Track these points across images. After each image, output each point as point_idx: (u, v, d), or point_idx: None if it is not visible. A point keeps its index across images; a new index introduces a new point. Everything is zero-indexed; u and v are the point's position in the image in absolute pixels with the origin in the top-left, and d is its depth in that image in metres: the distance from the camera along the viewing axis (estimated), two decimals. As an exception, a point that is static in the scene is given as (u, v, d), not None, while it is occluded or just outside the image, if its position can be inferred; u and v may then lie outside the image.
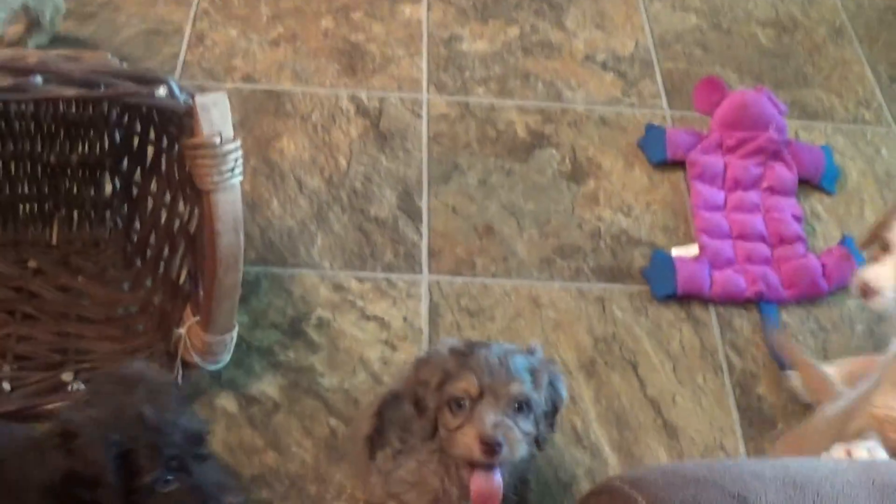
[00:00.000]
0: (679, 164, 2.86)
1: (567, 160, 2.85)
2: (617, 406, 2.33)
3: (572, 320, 2.47)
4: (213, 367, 2.16)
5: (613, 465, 2.24)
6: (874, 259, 2.15)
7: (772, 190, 2.78)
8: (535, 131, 2.92)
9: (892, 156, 2.99)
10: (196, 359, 2.12)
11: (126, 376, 1.71)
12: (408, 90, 2.98)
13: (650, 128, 2.94)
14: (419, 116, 2.91)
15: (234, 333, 2.12)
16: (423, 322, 2.43)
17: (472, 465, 1.75)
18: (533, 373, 1.78)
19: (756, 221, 2.70)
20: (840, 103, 3.14)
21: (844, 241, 2.69)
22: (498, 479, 1.75)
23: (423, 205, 2.68)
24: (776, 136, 2.86)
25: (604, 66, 3.15)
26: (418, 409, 1.83)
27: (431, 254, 2.57)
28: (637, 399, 2.35)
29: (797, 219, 2.72)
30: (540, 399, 1.78)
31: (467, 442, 1.71)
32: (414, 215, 2.65)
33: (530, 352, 1.83)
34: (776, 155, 2.84)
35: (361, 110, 2.90)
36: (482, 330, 2.42)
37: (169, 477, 1.61)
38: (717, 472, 1.08)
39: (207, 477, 1.65)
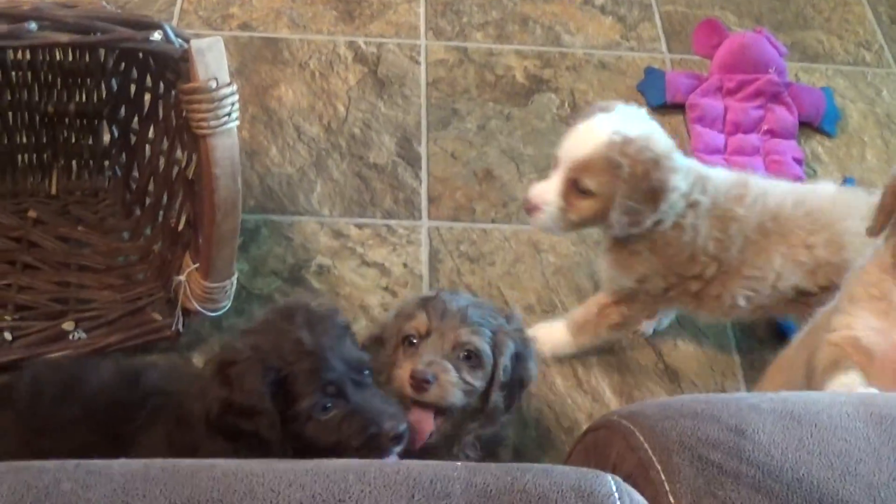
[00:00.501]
0: (679, 108, 2.85)
1: (566, 104, 2.84)
2: (618, 350, 2.33)
3: (572, 265, 2.47)
4: (213, 314, 2.16)
5: (615, 409, 2.24)
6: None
7: (772, 133, 2.77)
8: (533, 76, 2.91)
9: (892, 97, 2.98)
10: (196, 306, 2.11)
11: (287, 307, 1.73)
12: (406, 36, 2.97)
13: (650, 71, 2.93)
14: (417, 62, 2.90)
15: (234, 280, 2.12)
16: (424, 268, 2.43)
17: (409, 404, 1.73)
18: (495, 333, 1.77)
19: (756, 164, 2.69)
20: (840, 45, 3.13)
21: (846, 182, 2.68)
22: (429, 418, 1.73)
23: (422, 151, 2.67)
24: (776, 78, 2.85)
25: (602, 9, 3.13)
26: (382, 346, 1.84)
27: (431, 200, 2.56)
28: (639, 343, 2.35)
29: (798, 161, 2.72)
30: (494, 359, 1.76)
31: (401, 375, 1.72)
32: (413, 161, 2.64)
33: (507, 317, 1.84)
34: (776, 97, 2.83)
35: (359, 57, 2.89)
36: (482, 275, 2.42)
37: (327, 404, 1.60)
38: (715, 404, 1.09)
39: (367, 404, 1.63)
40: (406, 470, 0.95)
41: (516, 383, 1.81)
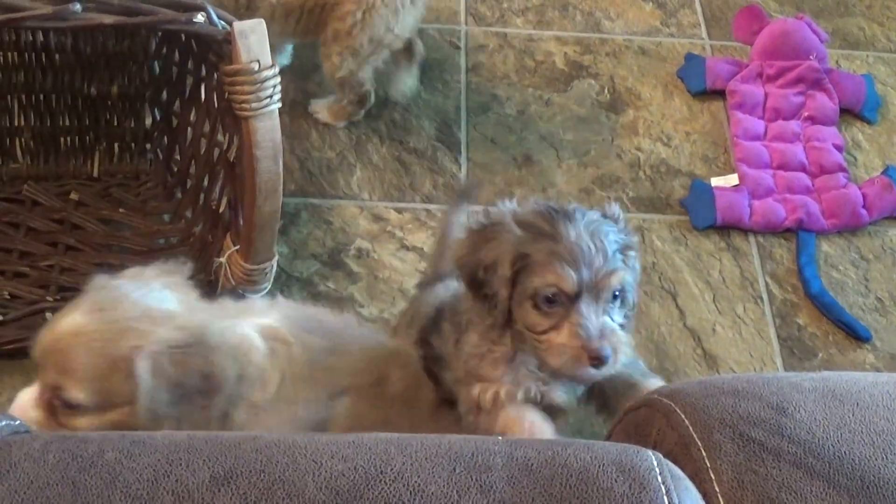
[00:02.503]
0: (719, 94, 2.84)
1: (606, 90, 2.83)
2: (657, 336, 2.33)
3: (611, 250, 2.47)
4: (252, 296, 2.17)
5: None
6: None
7: (812, 119, 2.76)
8: (573, 62, 2.90)
9: (934, 85, 2.96)
10: (236, 287, 2.13)
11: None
12: (446, 21, 2.97)
13: (690, 57, 2.92)
14: (457, 48, 2.90)
15: (274, 262, 2.13)
16: (462, 252, 2.43)
17: (568, 376, 1.58)
18: (624, 251, 1.56)
19: (797, 151, 2.68)
20: (882, 32, 3.11)
21: (888, 170, 2.66)
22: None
23: (462, 136, 2.68)
24: (817, 64, 2.84)
25: (642, -5, 3.13)
26: (479, 294, 1.60)
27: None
28: (677, 329, 2.35)
29: (838, 148, 2.70)
30: (634, 283, 1.58)
31: (568, 351, 1.51)
32: (452, 146, 2.65)
33: (612, 217, 1.60)
34: (817, 84, 2.82)
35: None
36: (521, 260, 2.42)
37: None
38: (756, 383, 1.09)
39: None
40: (448, 443, 0.95)
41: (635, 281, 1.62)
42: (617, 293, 1.54)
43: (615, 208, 1.63)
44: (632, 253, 1.58)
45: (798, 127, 2.75)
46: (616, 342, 1.51)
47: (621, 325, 1.56)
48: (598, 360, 1.50)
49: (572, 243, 1.49)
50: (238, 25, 1.81)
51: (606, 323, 1.52)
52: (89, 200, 2.41)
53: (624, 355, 1.53)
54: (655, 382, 1.68)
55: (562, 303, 1.51)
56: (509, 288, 1.53)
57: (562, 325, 1.51)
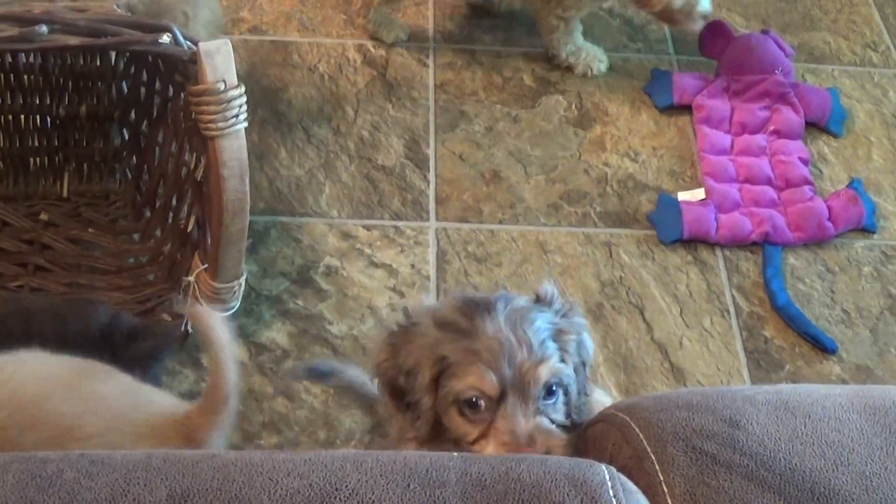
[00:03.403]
0: (686, 109, 2.86)
1: (573, 106, 2.85)
2: (624, 350, 2.34)
3: (579, 265, 2.48)
4: (221, 315, 2.17)
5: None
6: None
7: (778, 133, 2.78)
8: (541, 78, 2.92)
9: (899, 98, 2.99)
10: (205, 306, 2.13)
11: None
12: (415, 39, 2.98)
13: (656, 73, 2.94)
14: (425, 65, 2.91)
15: (243, 280, 2.14)
16: (431, 269, 2.44)
17: None
18: (557, 336, 1.43)
19: (763, 165, 2.70)
20: (847, 46, 3.13)
21: (853, 183, 2.69)
22: None
23: (430, 152, 2.69)
24: (782, 79, 2.86)
25: (610, 11, 3.14)
26: (401, 404, 1.48)
27: (438, 201, 2.58)
28: (644, 343, 2.36)
29: (804, 162, 2.72)
30: (571, 371, 1.43)
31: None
32: (421, 163, 2.66)
33: (544, 301, 1.48)
34: (783, 98, 2.84)
35: (368, 60, 2.91)
36: (489, 276, 2.43)
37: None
38: (710, 397, 1.10)
39: None
40: (402, 459, 0.96)
41: (581, 369, 1.48)
42: (553, 387, 1.40)
43: (549, 288, 1.50)
44: (571, 337, 1.45)
45: (764, 141, 2.77)
46: (551, 445, 1.36)
47: (563, 423, 1.42)
48: None
49: (490, 339, 1.36)
50: (204, 46, 1.82)
51: (539, 424, 1.37)
52: (59, 220, 2.41)
53: (563, 453, 1.36)
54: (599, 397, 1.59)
55: (487, 406, 1.38)
56: (433, 395, 1.41)
57: (489, 433, 1.38)
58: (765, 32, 2.97)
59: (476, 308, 1.41)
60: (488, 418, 1.38)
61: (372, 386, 1.76)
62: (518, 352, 1.36)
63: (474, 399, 1.37)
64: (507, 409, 1.36)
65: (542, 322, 1.41)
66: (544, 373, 1.37)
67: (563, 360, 1.41)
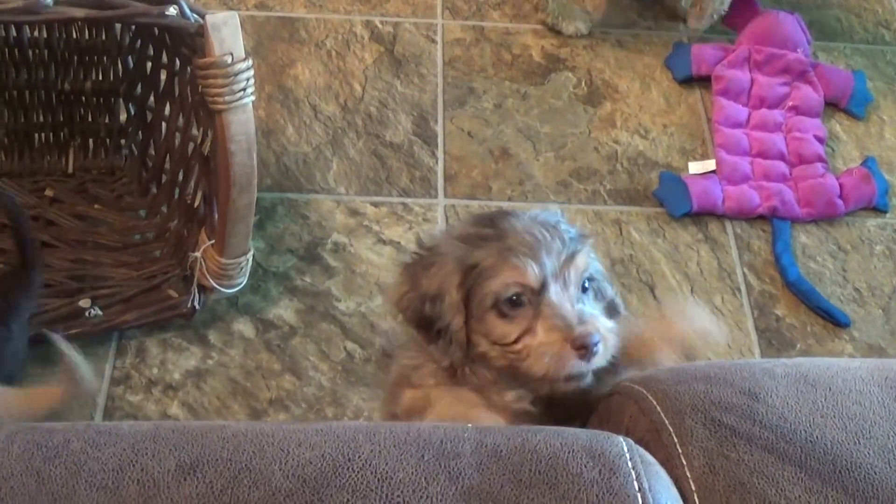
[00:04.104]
0: (699, 84, 2.85)
1: (583, 83, 2.83)
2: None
3: (589, 243, 2.46)
4: (228, 291, 2.16)
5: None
6: None
7: (796, 109, 2.75)
8: (550, 55, 2.90)
9: (912, 76, 2.97)
10: (212, 282, 2.12)
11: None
12: (422, 15, 2.96)
13: (677, 45, 2.93)
14: (434, 41, 2.89)
15: (250, 257, 2.12)
16: (440, 246, 2.42)
17: (563, 382, 1.34)
18: (582, 240, 1.40)
19: (777, 140, 2.68)
20: (859, 23, 3.11)
21: (867, 161, 2.67)
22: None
23: (439, 129, 2.67)
24: (804, 57, 2.84)
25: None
26: (431, 334, 1.40)
27: (447, 178, 2.56)
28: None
29: (819, 140, 2.70)
30: (602, 270, 1.43)
31: (551, 351, 1.30)
32: (429, 140, 2.64)
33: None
34: (803, 76, 2.81)
35: (376, 36, 2.89)
36: (499, 253, 2.41)
37: None
38: (728, 369, 1.08)
39: None
40: (416, 431, 0.95)
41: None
42: (587, 283, 1.37)
43: (554, 208, 1.47)
44: (590, 242, 1.42)
45: (781, 116, 2.74)
46: (602, 326, 1.33)
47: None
48: (585, 349, 1.29)
49: (523, 234, 1.33)
50: (211, 18, 1.80)
51: (585, 309, 1.33)
52: (64, 197, 2.40)
53: (613, 340, 1.34)
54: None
55: (529, 301, 1.33)
56: (463, 313, 1.36)
57: (535, 326, 1.32)
58: (791, 13, 2.95)
59: (497, 217, 1.40)
60: (532, 313, 1.32)
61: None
62: (553, 243, 1.33)
63: (515, 296, 1.32)
64: (551, 296, 1.32)
65: (564, 225, 1.39)
66: (581, 262, 1.34)
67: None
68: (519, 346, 1.33)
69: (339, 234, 2.42)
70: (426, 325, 1.40)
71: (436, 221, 2.46)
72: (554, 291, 1.32)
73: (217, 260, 2.08)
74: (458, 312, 1.36)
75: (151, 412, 2.09)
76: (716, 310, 2.36)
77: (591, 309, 1.36)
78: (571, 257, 1.34)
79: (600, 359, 1.32)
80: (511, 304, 1.33)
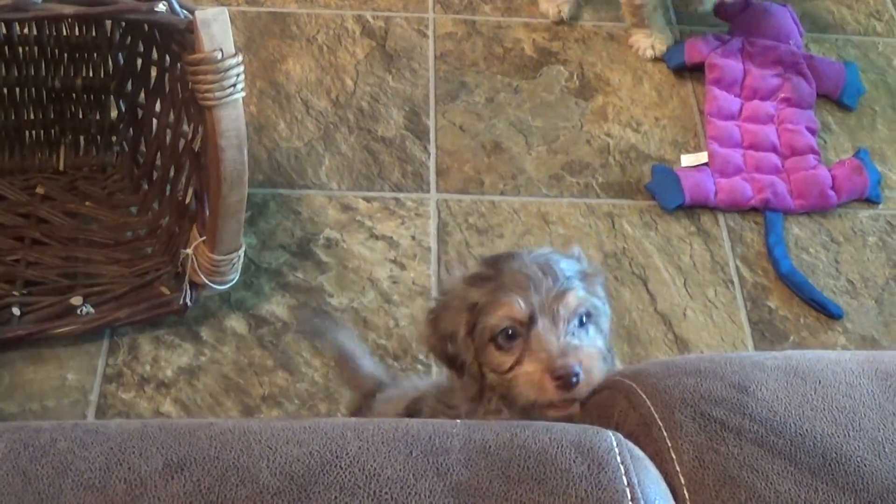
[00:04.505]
0: (693, 76, 2.85)
1: (575, 77, 2.82)
2: (628, 321, 2.32)
3: (581, 236, 2.46)
4: (220, 288, 2.16)
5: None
6: None
7: (789, 101, 2.75)
8: (542, 48, 2.89)
9: (904, 67, 2.97)
10: (203, 279, 2.12)
11: None
12: (413, 9, 2.96)
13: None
14: (425, 36, 2.89)
15: (241, 253, 2.12)
16: (432, 240, 2.42)
17: (545, 409, 1.40)
18: (585, 278, 1.45)
19: (769, 132, 2.68)
20: (851, 15, 3.11)
21: (859, 153, 2.66)
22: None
23: (431, 124, 2.67)
24: (796, 49, 2.84)
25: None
26: (457, 369, 1.51)
27: (439, 172, 2.56)
28: (648, 314, 2.35)
29: (812, 132, 2.70)
30: (604, 307, 1.47)
31: (533, 380, 1.38)
32: (421, 134, 2.64)
33: (575, 258, 1.51)
34: (795, 67, 2.81)
35: (367, 31, 2.88)
36: (491, 247, 2.41)
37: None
38: (718, 362, 1.08)
39: None
40: (405, 427, 0.94)
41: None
42: (583, 316, 1.42)
43: (576, 249, 1.54)
44: (597, 281, 1.48)
45: (773, 108, 2.74)
46: (585, 357, 1.38)
47: (601, 348, 1.43)
48: (562, 380, 1.35)
49: (515, 273, 1.41)
50: (200, 14, 1.80)
51: (571, 342, 1.38)
52: (55, 194, 2.39)
53: (598, 371, 1.38)
54: None
55: (520, 333, 1.39)
56: (472, 348, 1.45)
57: (523, 356, 1.39)
58: (783, 5, 2.94)
59: (498, 258, 1.48)
60: (522, 346, 1.39)
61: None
62: (544, 281, 1.39)
63: (507, 329, 1.39)
64: (538, 329, 1.38)
65: (566, 264, 1.45)
66: (572, 299, 1.39)
67: (594, 296, 1.44)
68: (511, 375, 1.40)
69: (332, 230, 2.42)
70: (451, 362, 1.50)
71: (428, 216, 2.46)
72: (541, 325, 1.38)
73: (209, 256, 2.07)
74: (468, 348, 1.45)
75: (144, 410, 2.09)
76: (709, 302, 2.37)
77: (584, 342, 1.40)
78: (562, 294, 1.39)
79: (584, 388, 1.36)
80: (506, 337, 1.40)
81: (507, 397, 1.44)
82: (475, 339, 1.44)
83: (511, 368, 1.40)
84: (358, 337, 2.20)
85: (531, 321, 1.38)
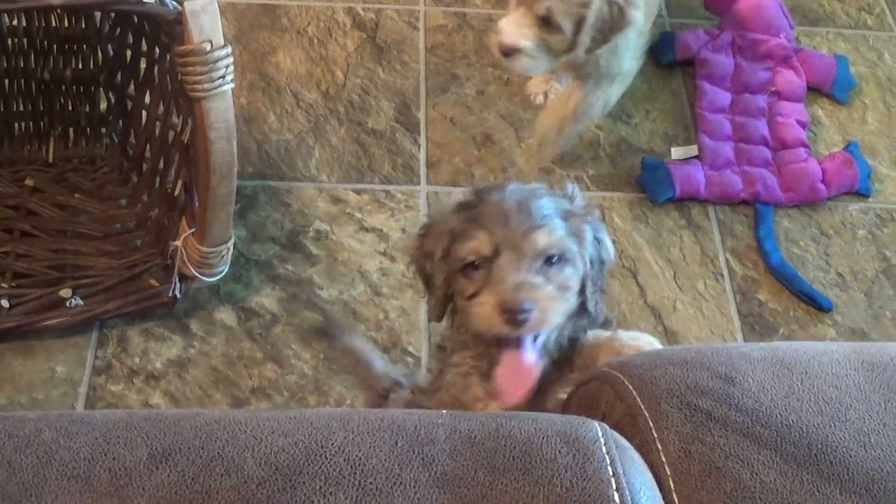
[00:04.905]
0: (683, 69, 2.85)
1: (566, 69, 2.82)
2: (618, 314, 2.32)
3: (572, 229, 2.46)
4: (210, 280, 2.16)
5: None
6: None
7: (779, 94, 2.76)
8: (533, 41, 2.89)
9: (894, 61, 2.96)
10: (193, 271, 2.12)
11: None
12: (404, 2, 2.95)
13: (662, 34, 2.93)
14: (416, 28, 2.88)
15: (231, 245, 2.12)
16: (422, 233, 2.42)
17: (500, 343, 1.46)
18: (568, 218, 1.47)
19: (759, 125, 2.68)
20: (842, 8, 3.11)
21: (849, 146, 2.67)
22: (528, 358, 1.45)
23: (421, 116, 2.66)
24: (786, 42, 2.84)
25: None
26: (429, 288, 1.56)
27: (429, 165, 2.56)
28: (637, 306, 2.35)
29: (802, 125, 2.70)
30: (581, 253, 1.47)
31: (485, 311, 1.41)
32: (411, 127, 2.63)
33: (566, 196, 1.53)
34: (785, 61, 2.82)
35: (358, 23, 2.88)
36: (481, 240, 2.41)
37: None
38: (705, 353, 1.08)
39: None
40: (390, 417, 0.94)
41: (598, 269, 1.53)
42: (554, 257, 1.44)
43: (571, 186, 1.56)
44: (584, 222, 1.49)
45: (763, 102, 2.74)
46: (540, 297, 1.40)
47: (569, 289, 1.46)
48: (511, 314, 1.39)
49: (493, 206, 1.44)
50: (189, 5, 1.79)
51: (529, 279, 1.41)
52: (45, 186, 2.39)
53: (553, 313, 1.43)
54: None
55: (484, 265, 1.43)
56: (444, 271, 1.50)
57: (484, 286, 1.43)
58: (773, -1, 2.95)
59: (485, 189, 1.51)
60: (486, 277, 1.43)
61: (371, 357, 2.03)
62: (515, 216, 1.42)
63: (473, 261, 1.44)
64: (500, 263, 1.41)
65: (549, 200, 1.47)
66: (541, 237, 1.42)
67: (572, 240, 1.46)
68: (472, 301, 1.45)
69: (322, 222, 2.42)
70: (427, 280, 1.57)
71: (418, 209, 2.46)
72: (504, 259, 1.41)
73: (198, 248, 2.07)
74: (441, 270, 1.51)
75: (133, 402, 2.09)
76: (698, 295, 2.37)
77: (545, 281, 1.43)
78: (530, 231, 1.41)
79: (534, 326, 1.42)
80: (472, 267, 1.45)
81: (465, 323, 1.50)
82: (448, 263, 1.49)
83: (472, 297, 1.45)
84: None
85: (496, 254, 1.42)
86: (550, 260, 1.43)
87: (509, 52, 2.10)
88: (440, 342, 1.73)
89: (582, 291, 1.50)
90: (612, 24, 2.17)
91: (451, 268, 1.49)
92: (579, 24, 2.15)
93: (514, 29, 2.10)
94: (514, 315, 1.39)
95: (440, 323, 1.60)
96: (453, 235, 1.47)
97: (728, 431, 0.98)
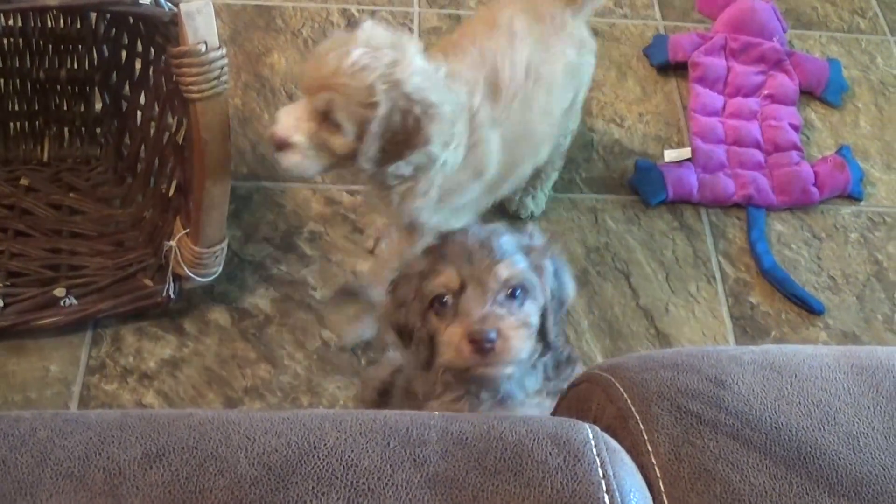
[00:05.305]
0: (675, 73, 2.85)
1: (559, 72, 2.82)
2: (609, 316, 2.33)
3: (565, 231, 2.47)
4: (204, 280, 2.16)
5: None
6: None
7: (772, 98, 2.77)
8: (527, 43, 2.89)
9: (886, 64, 2.97)
10: (187, 271, 2.12)
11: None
12: (398, 3, 2.96)
13: (657, 36, 2.95)
14: (410, 30, 2.89)
15: (225, 245, 2.12)
16: (416, 234, 2.42)
17: (473, 376, 1.55)
18: (529, 253, 1.55)
19: (752, 128, 2.69)
20: (835, 12, 3.12)
21: (842, 150, 2.68)
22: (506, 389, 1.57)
23: (415, 118, 2.66)
24: (779, 46, 2.85)
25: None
26: (405, 338, 1.62)
27: (423, 166, 2.56)
28: (630, 309, 2.35)
29: (795, 128, 2.71)
30: (541, 285, 1.54)
31: (454, 343, 1.48)
32: (406, 128, 2.63)
33: (526, 235, 1.60)
34: (778, 65, 2.83)
35: (352, 24, 2.87)
36: (474, 241, 2.41)
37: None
38: (695, 356, 1.09)
39: None
40: (382, 418, 0.95)
41: (558, 304, 1.59)
42: (516, 289, 1.52)
43: (531, 226, 1.65)
44: (544, 258, 1.57)
45: (756, 105, 2.75)
46: (503, 327, 1.49)
47: (529, 323, 1.53)
48: (477, 343, 1.47)
49: (457, 246, 1.53)
50: (185, 7, 1.80)
51: (494, 311, 1.49)
52: (39, 186, 2.39)
53: (517, 341, 1.50)
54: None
55: (452, 301, 1.51)
56: (417, 309, 1.57)
57: (452, 321, 1.51)
58: (766, 1, 2.95)
59: (448, 234, 1.61)
60: (454, 311, 1.51)
61: None
62: (478, 252, 1.50)
63: (441, 296, 1.51)
64: (466, 296, 1.49)
65: (509, 238, 1.55)
66: (503, 270, 1.50)
67: (533, 272, 1.54)
68: (442, 337, 1.52)
69: (315, 223, 2.42)
70: (403, 331, 1.62)
71: (412, 210, 2.46)
72: (469, 293, 1.49)
73: (192, 248, 2.07)
74: (416, 312, 1.57)
75: (126, 401, 2.09)
76: (691, 298, 2.37)
77: (508, 312, 1.51)
78: (493, 265, 1.50)
79: (500, 355, 1.49)
80: (440, 303, 1.52)
81: (446, 364, 1.55)
82: (419, 301, 1.55)
83: (443, 332, 1.52)
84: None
85: (462, 289, 1.50)
86: (514, 293, 1.52)
87: (281, 145, 1.83)
88: (409, 387, 1.73)
89: (543, 323, 1.57)
90: (406, 138, 1.82)
91: (422, 306, 1.55)
92: (364, 127, 1.81)
93: (291, 120, 1.84)
94: (480, 344, 1.46)
95: (426, 370, 1.63)
96: (422, 275, 1.54)
97: (718, 434, 0.99)
